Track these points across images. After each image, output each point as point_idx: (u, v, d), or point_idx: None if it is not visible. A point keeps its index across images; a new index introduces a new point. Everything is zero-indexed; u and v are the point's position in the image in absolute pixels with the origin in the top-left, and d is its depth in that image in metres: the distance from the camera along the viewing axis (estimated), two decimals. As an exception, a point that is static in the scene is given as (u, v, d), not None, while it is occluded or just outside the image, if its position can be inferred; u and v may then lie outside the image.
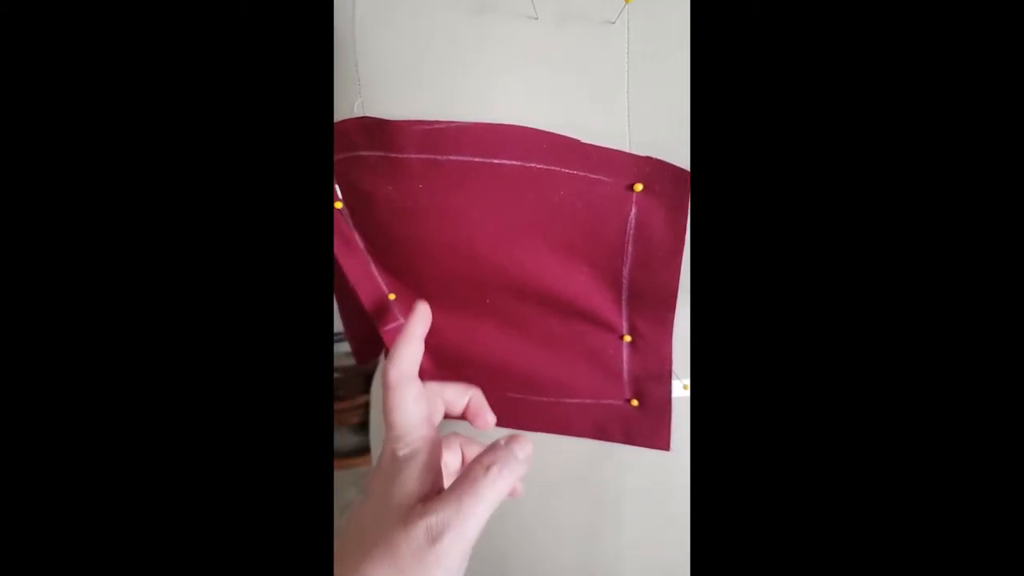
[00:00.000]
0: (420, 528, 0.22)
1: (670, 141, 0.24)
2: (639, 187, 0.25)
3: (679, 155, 0.24)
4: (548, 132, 0.24)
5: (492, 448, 0.25)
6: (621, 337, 0.30)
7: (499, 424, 0.34)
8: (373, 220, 0.27)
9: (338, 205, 0.27)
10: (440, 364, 0.33)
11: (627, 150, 0.25)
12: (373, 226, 0.27)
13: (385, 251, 0.28)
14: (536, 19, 0.24)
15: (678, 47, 0.23)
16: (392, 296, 0.31)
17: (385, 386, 0.26)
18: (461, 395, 0.31)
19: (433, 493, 0.24)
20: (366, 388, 1.31)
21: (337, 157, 0.26)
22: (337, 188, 0.27)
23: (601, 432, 0.33)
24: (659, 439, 0.33)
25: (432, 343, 0.32)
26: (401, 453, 0.25)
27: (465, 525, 0.22)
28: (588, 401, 0.32)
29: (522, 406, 0.33)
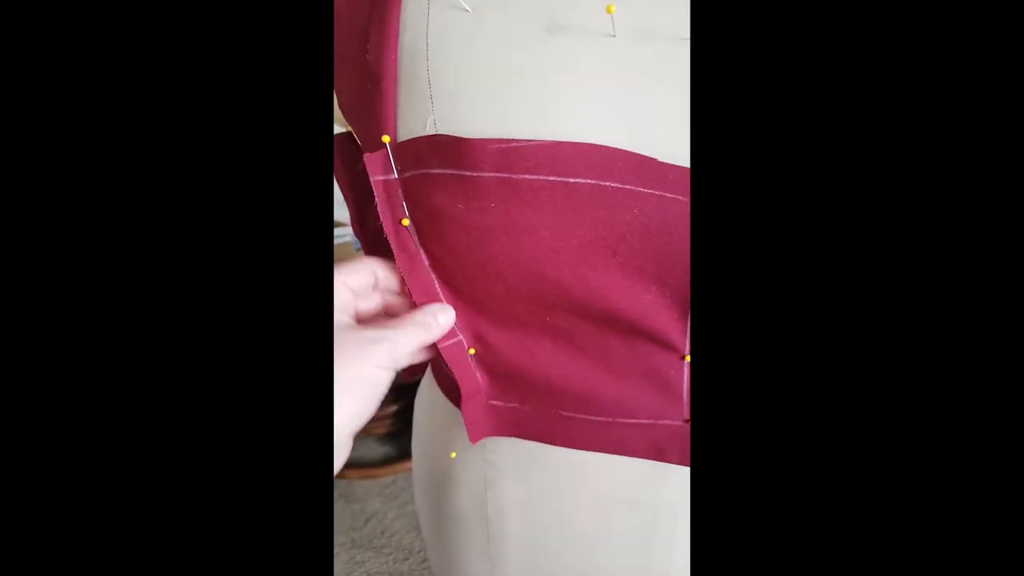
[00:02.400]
0: (358, 331, 0.27)
1: None
2: (714, 206, 0.24)
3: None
4: (623, 151, 0.23)
5: (421, 309, 0.30)
6: (683, 356, 0.30)
7: (552, 442, 0.34)
8: (440, 237, 0.27)
9: (404, 222, 0.27)
10: (495, 379, 0.33)
11: None
12: (440, 243, 0.27)
13: (450, 268, 0.28)
14: (614, 37, 0.24)
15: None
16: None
17: None
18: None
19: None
20: (394, 399, 1.32)
21: (405, 175, 0.26)
22: (404, 205, 0.27)
23: (659, 453, 0.32)
24: (719, 462, 0.32)
25: (489, 359, 0.32)
26: None
27: (398, 342, 0.27)
28: (646, 421, 0.32)
29: (577, 425, 0.33)
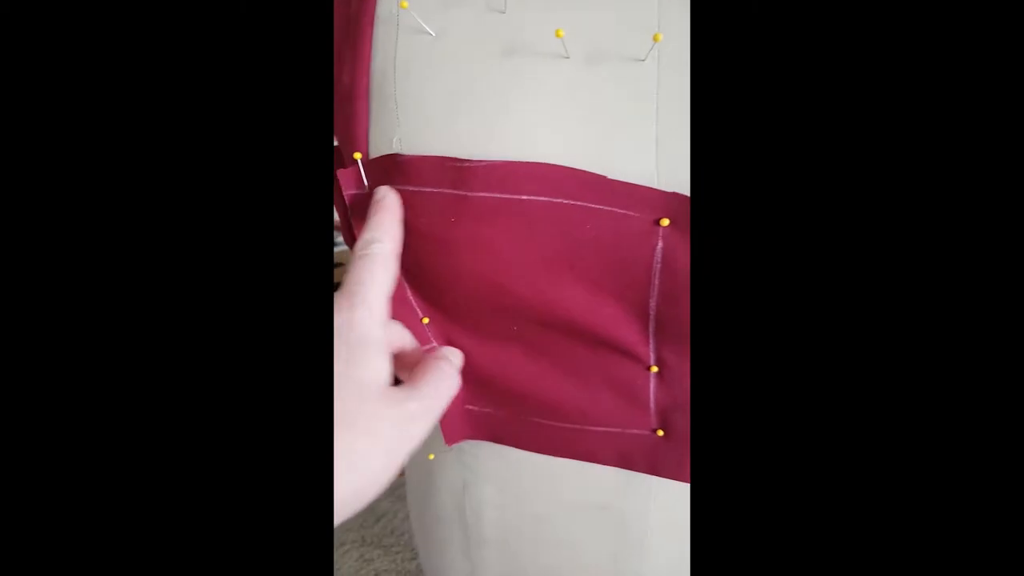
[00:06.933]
0: (403, 411, 0.25)
1: None
2: (665, 222, 0.25)
3: (706, 192, 0.25)
4: (574, 169, 0.24)
5: (444, 353, 0.30)
6: (648, 367, 0.30)
7: (524, 448, 0.35)
8: (408, 249, 0.28)
9: None
10: (470, 384, 0.34)
11: (655, 186, 0.25)
12: (408, 255, 0.28)
13: (419, 278, 0.29)
14: (567, 58, 0.25)
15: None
16: (426, 320, 0.32)
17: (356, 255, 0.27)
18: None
19: (393, 371, 0.27)
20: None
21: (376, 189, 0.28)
22: None
23: (626, 461, 0.33)
24: (685, 471, 0.32)
25: (464, 365, 0.33)
26: (374, 330, 0.26)
27: (435, 412, 0.27)
28: (614, 430, 0.33)
29: (548, 431, 0.33)
